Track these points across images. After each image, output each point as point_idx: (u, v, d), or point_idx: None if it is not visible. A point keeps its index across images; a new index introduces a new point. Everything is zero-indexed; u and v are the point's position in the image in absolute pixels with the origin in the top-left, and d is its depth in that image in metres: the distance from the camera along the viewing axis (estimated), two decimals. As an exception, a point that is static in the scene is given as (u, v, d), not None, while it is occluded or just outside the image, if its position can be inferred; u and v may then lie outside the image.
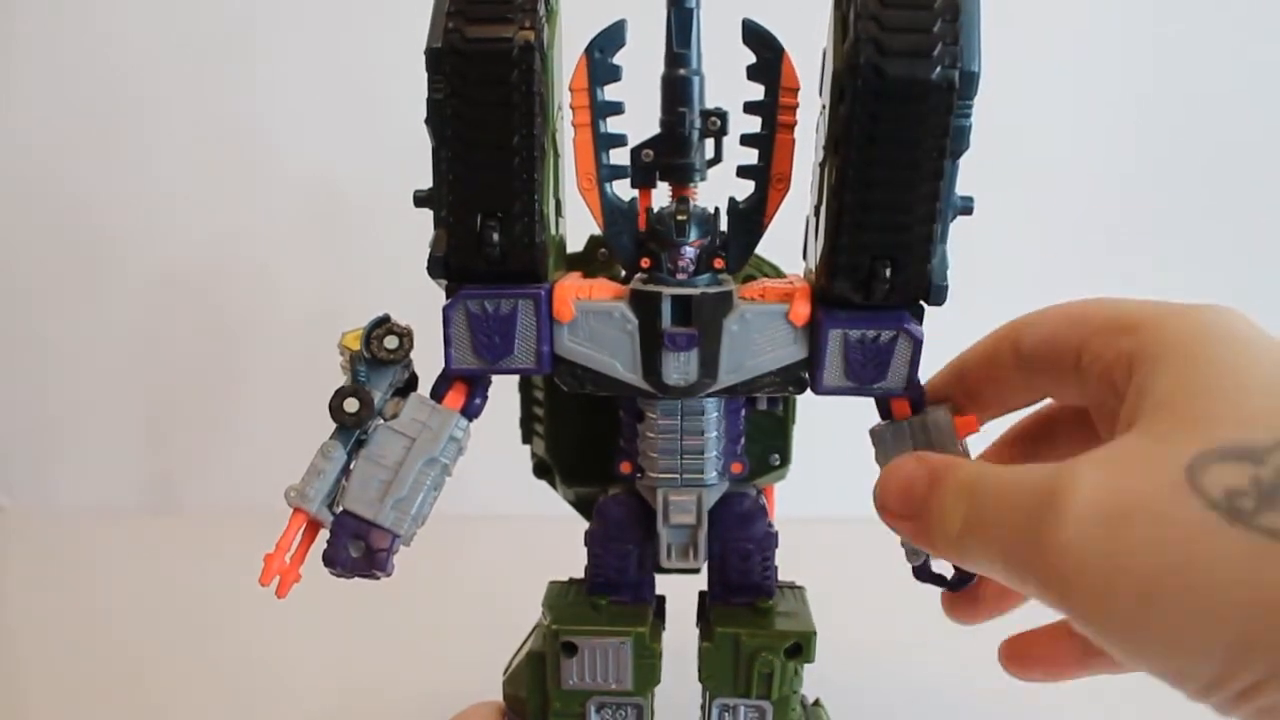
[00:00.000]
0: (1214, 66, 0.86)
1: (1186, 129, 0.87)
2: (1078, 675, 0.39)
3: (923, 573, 0.40)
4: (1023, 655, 0.39)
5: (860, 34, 0.31)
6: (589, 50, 0.36)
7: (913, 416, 0.38)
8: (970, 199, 0.34)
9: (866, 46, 0.31)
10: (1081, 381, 0.32)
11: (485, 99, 0.34)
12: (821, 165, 0.36)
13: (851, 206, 0.33)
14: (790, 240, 0.41)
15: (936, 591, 0.41)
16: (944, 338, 0.39)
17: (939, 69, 0.31)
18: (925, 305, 0.36)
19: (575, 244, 0.44)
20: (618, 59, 0.37)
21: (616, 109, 0.37)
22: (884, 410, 0.38)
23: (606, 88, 0.37)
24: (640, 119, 0.38)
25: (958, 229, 0.35)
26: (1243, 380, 0.26)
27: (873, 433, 0.38)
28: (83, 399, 0.94)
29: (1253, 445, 0.23)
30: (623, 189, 0.38)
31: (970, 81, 0.32)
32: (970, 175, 0.36)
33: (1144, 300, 0.31)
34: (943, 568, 0.39)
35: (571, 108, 0.37)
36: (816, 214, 0.37)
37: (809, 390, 0.37)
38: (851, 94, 0.32)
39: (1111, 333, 0.30)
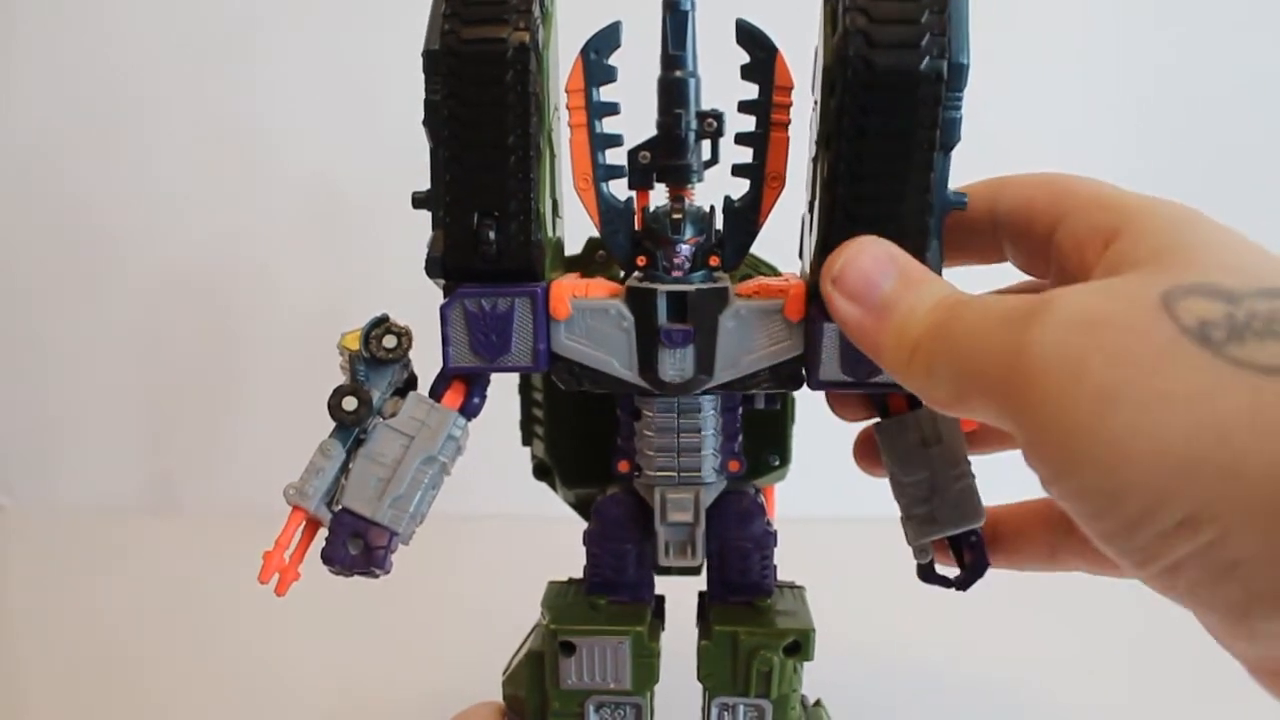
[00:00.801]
0: (1214, 70, 0.86)
1: (1187, 131, 0.87)
2: (1043, 566, 0.38)
3: (928, 573, 0.39)
4: (991, 532, 0.38)
5: (849, 27, 0.32)
6: (584, 51, 0.36)
7: (916, 410, 0.38)
8: (964, 195, 0.34)
9: (855, 39, 0.32)
10: (1047, 252, 0.32)
11: (481, 100, 0.34)
12: (814, 161, 0.36)
13: (844, 199, 0.33)
14: (786, 239, 0.41)
15: (937, 591, 0.41)
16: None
17: (927, 60, 0.31)
18: None
19: (573, 247, 0.44)
20: (613, 60, 0.37)
21: (612, 109, 0.37)
22: (882, 410, 0.38)
23: (602, 88, 0.37)
24: (636, 119, 0.38)
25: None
26: (1224, 247, 0.27)
27: (878, 429, 0.38)
28: (83, 399, 0.94)
29: (1230, 289, 0.24)
30: (619, 189, 0.38)
31: (959, 73, 0.32)
32: (970, 175, 0.36)
33: (1126, 189, 0.31)
34: (948, 569, 0.39)
35: (568, 108, 0.37)
36: (811, 210, 0.37)
37: (806, 386, 0.37)
38: (841, 86, 0.32)
39: (1094, 209, 0.31)
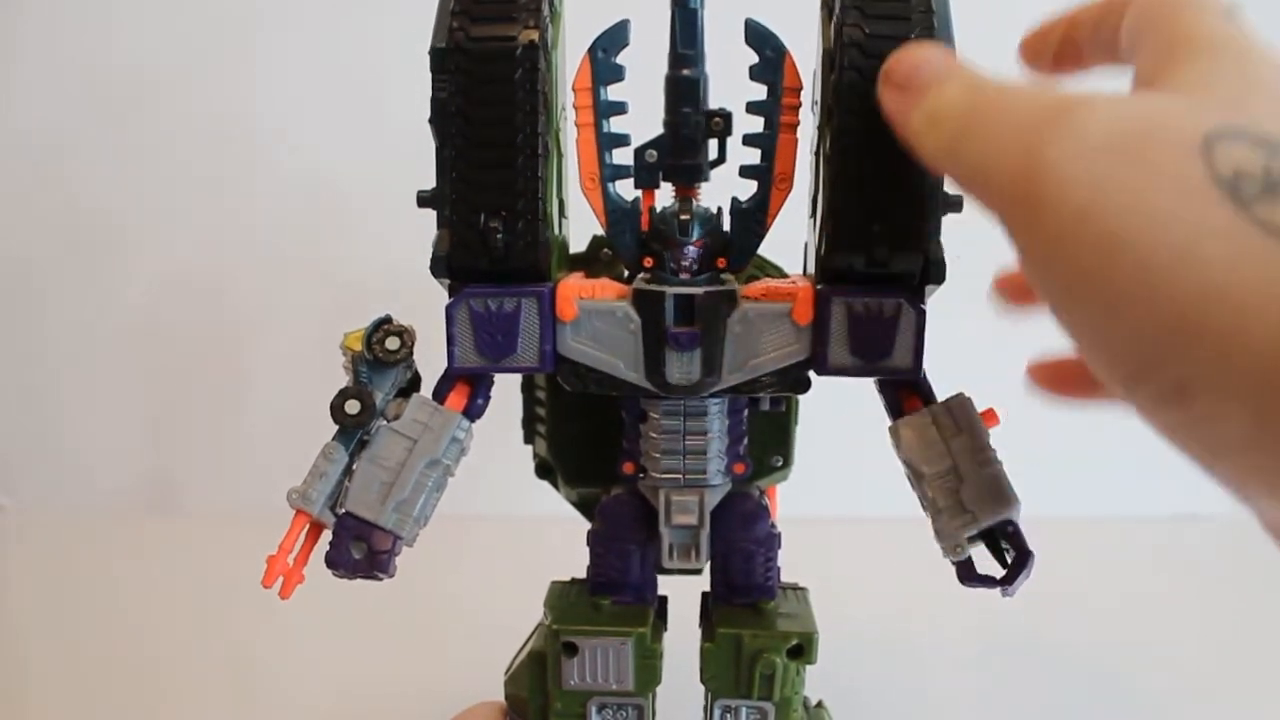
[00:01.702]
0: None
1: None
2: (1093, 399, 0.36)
3: (969, 573, 0.37)
4: (1049, 374, 0.37)
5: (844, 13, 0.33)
6: (592, 50, 0.36)
7: (932, 404, 0.37)
8: (960, 196, 0.34)
9: (851, 29, 0.33)
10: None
11: (489, 98, 0.34)
12: (815, 154, 0.36)
13: (848, 172, 0.34)
14: (792, 241, 0.41)
15: (937, 592, 0.40)
16: (944, 339, 0.39)
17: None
18: (926, 286, 0.36)
19: (578, 245, 0.44)
20: (620, 59, 0.37)
21: (620, 109, 0.37)
22: (895, 408, 0.38)
23: (609, 87, 0.37)
24: (643, 118, 0.38)
25: (957, 230, 0.35)
26: (1259, 52, 0.24)
27: (892, 429, 0.38)
28: (83, 399, 0.94)
29: (1271, 136, 0.22)
30: (626, 189, 0.38)
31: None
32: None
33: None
34: (992, 567, 0.37)
35: (575, 107, 0.37)
36: (814, 205, 0.37)
37: (815, 372, 0.37)
38: (840, 63, 0.33)
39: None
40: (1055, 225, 0.23)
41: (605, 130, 0.37)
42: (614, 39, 0.36)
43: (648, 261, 0.37)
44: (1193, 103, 0.24)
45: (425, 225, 0.37)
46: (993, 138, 0.26)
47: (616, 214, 0.38)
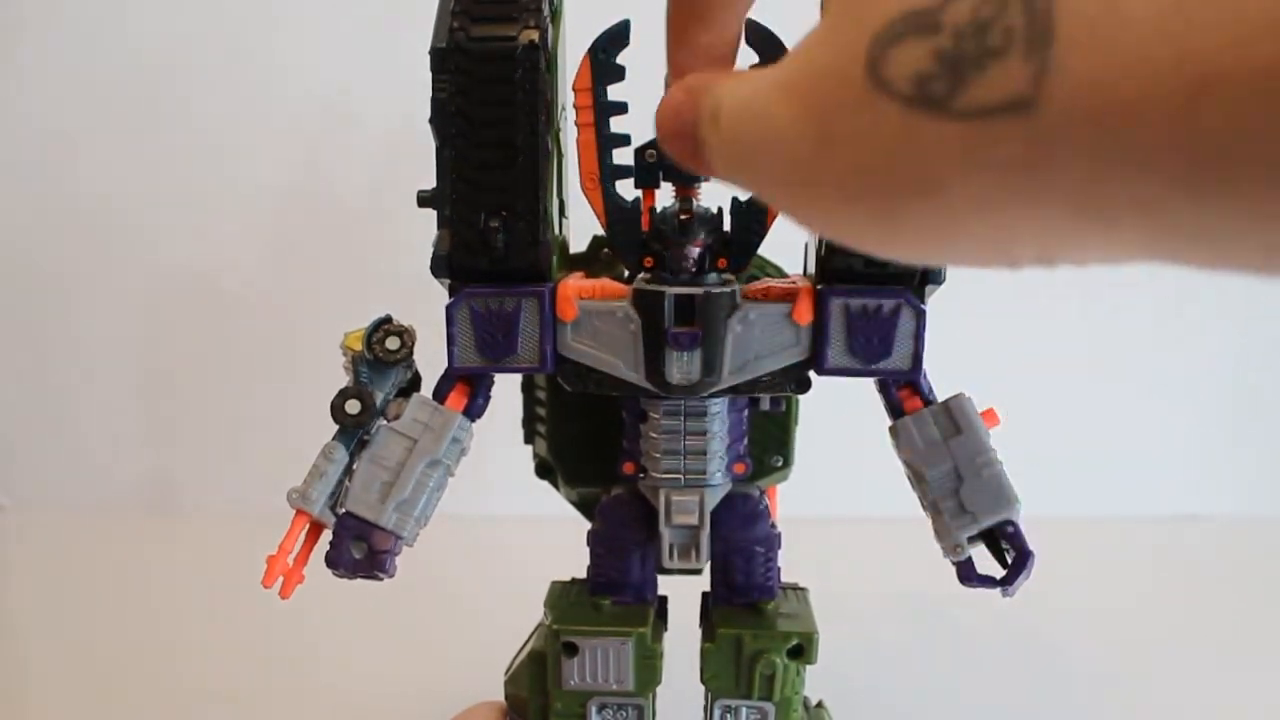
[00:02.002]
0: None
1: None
2: None
3: (969, 573, 0.37)
4: None
5: None
6: (592, 50, 0.36)
7: (932, 404, 0.37)
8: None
9: None
10: None
11: (489, 98, 0.34)
12: None
13: None
14: (792, 241, 0.41)
15: (937, 592, 0.40)
16: (944, 339, 0.39)
17: None
18: (925, 286, 0.36)
19: (578, 245, 0.44)
20: (620, 59, 0.37)
21: (620, 109, 0.37)
22: (895, 409, 0.38)
23: (610, 88, 0.37)
24: (643, 119, 0.38)
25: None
26: None
27: (892, 429, 0.38)
28: (83, 399, 0.94)
29: (923, 6, 0.19)
30: (626, 189, 0.38)
31: None
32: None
33: None
34: (991, 567, 0.37)
35: (575, 107, 0.37)
36: None
37: (814, 372, 0.37)
38: None
39: None
40: (839, 236, 0.23)
41: (606, 130, 0.37)
42: (615, 39, 0.36)
43: (648, 261, 0.37)
44: (839, 25, 0.21)
45: (426, 225, 0.37)
46: (752, 153, 0.24)
47: (617, 214, 0.38)
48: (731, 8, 0.29)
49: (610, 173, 0.37)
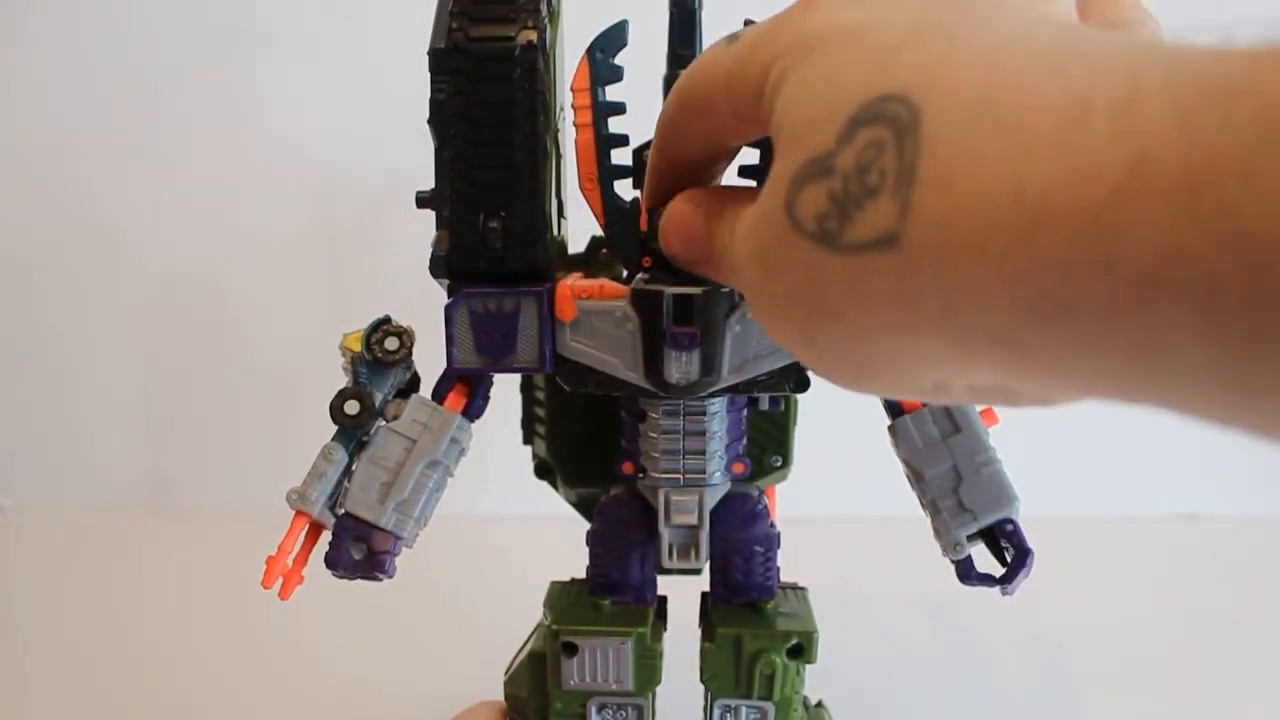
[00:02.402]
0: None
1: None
2: None
3: (968, 571, 0.37)
4: None
5: None
6: (590, 51, 0.36)
7: (930, 404, 0.37)
8: None
9: None
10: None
11: (488, 98, 0.34)
12: None
13: None
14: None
15: (937, 591, 0.40)
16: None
17: None
18: None
19: (577, 245, 0.44)
20: (618, 59, 0.37)
21: (618, 109, 0.37)
22: (894, 408, 0.38)
23: (608, 88, 0.37)
24: (643, 119, 0.38)
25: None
26: (822, 68, 0.23)
27: (891, 428, 0.38)
28: (84, 399, 0.94)
29: (822, 153, 0.21)
30: (625, 189, 0.38)
31: None
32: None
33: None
34: (991, 566, 0.37)
35: (574, 108, 0.37)
36: None
37: (811, 383, 0.37)
38: None
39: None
40: (788, 345, 0.26)
41: (604, 131, 0.37)
42: (613, 40, 0.36)
43: (646, 261, 0.37)
44: (775, 171, 0.23)
45: (426, 225, 0.37)
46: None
47: (615, 214, 0.38)
48: (712, 175, 0.32)
49: (608, 173, 0.37)
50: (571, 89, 0.37)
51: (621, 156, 0.38)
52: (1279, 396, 0.16)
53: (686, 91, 0.29)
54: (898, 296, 0.20)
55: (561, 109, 0.38)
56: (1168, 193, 0.15)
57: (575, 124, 0.37)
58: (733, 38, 0.27)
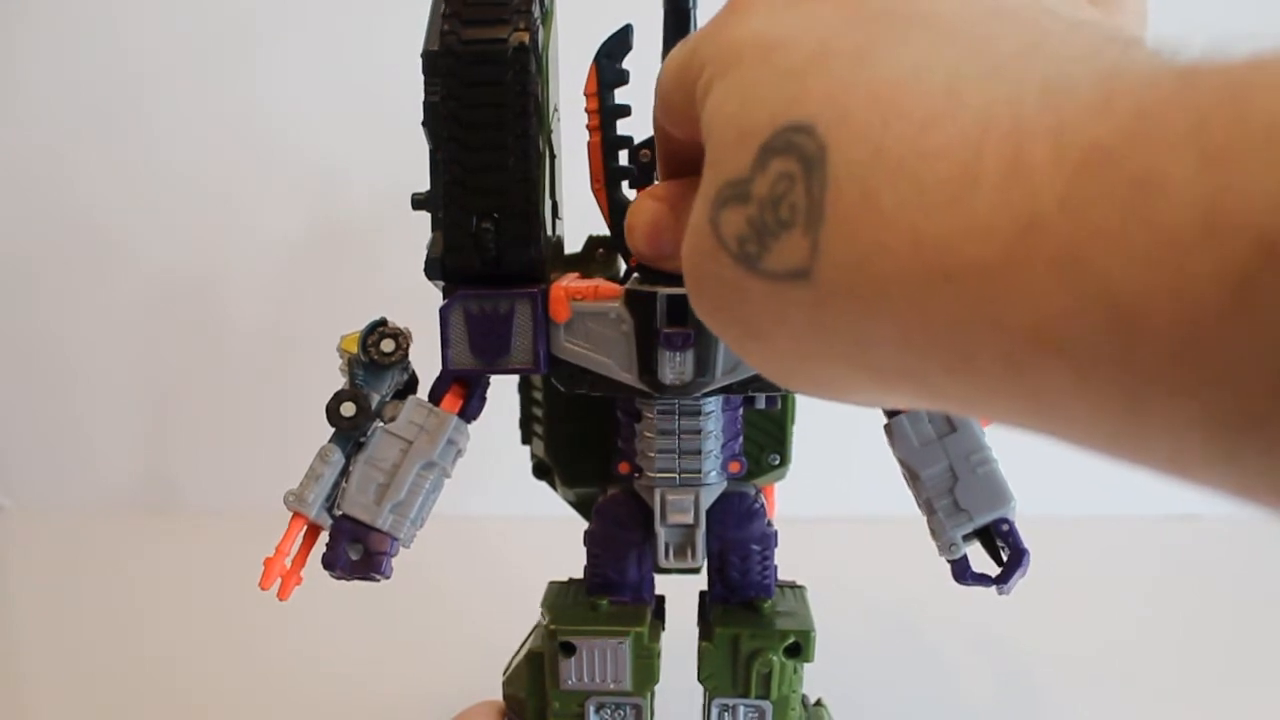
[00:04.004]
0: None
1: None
2: None
3: (964, 571, 0.37)
4: None
5: None
6: (598, 57, 0.37)
7: None
8: None
9: None
10: None
11: (481, 100, 0.34)
12: None
13: None
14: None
15: (936, 591, 0.40)
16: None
17: None
18: None
19: (574, 245, 0.44)
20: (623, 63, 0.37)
21: (625, 112, 0.37)
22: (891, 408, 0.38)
23: (615, 91, 0.37)
24: (640, 119, 0.38)
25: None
26: (737, 87, 0.23)
27: (888, 428, 0.38)
28: (83, 399, 0.94)
29: (739, 177, 0.22)
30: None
31: None
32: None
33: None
34: (987, 565, 0.37)
35: (585, 112, 0.37)
36: None
37: None
38: None
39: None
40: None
41: (612, 134, 0.37)
42: (618, 44, 0.37)
43: (634, 260, 0.37)
44: (703, 184, 0.24)
45: (422, 227, 0.37)
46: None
47: (618, 214, 0.38)
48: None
49: (614, 174, 0.37)
50: (584, 93, 0.37)
51: (625, 157, 0.38)
52: (1163, 444, 0.16)
53: (658, 92, 0.29)
54: (812, 327, 0.21)
55: (555, 110, 0.38)
56: (1054, 261, 0.16)
57: (587, 127, 0.37)
58: (686, 40, 0.27)
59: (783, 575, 0.43)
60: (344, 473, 0.38)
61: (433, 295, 0.38)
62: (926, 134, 0.18)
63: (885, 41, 0.20)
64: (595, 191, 0.38)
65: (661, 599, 0.44)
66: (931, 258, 0.18)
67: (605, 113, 0.37)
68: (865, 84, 0.20)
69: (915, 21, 0.21)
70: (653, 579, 0.43)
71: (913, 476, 0.37)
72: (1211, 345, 0.14)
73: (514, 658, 0.44)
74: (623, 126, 0.38)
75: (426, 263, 0.36)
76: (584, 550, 0.43)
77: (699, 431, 0.39)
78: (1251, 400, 0.14)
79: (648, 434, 0.39)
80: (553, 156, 0.38)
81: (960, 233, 0.17)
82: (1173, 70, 0.16)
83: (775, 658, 0.40)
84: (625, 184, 0.38)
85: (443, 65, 0.34)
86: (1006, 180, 0.17)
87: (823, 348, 0.21)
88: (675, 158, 0.31)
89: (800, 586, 0.44)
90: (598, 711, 0.42)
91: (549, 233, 0.37)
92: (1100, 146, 0.15)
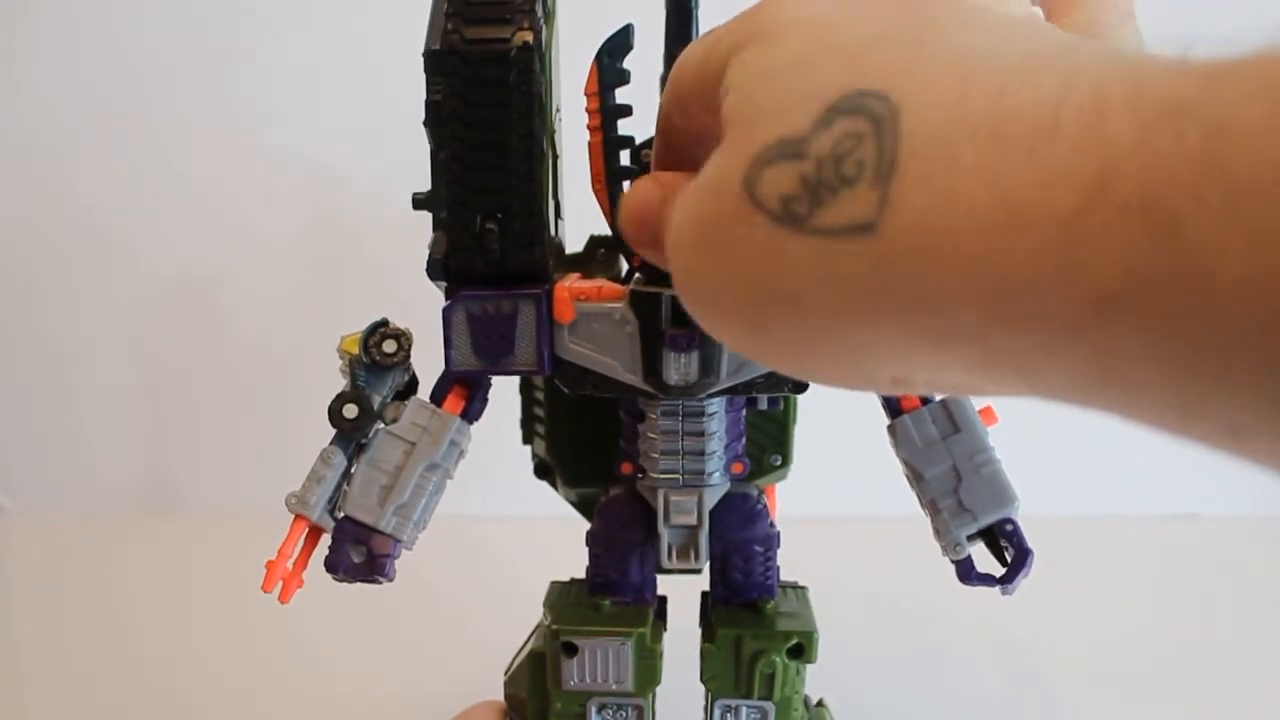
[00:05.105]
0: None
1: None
2: None
3: (968, 571, 0.37)
4: None
5: None
6: (599, 56, 0.36)
7: (930, 403, 0.37)
8: None
9: None
10: None
11: (484, 100, 0.34)
12: None
13: None
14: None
15: (936, 591, 0.40)
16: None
17: None
18: None
19: (575, 246, 0.44)
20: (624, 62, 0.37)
21: (626, 112, 0.37)
22: (893, 408, 0.38)
23: (615, 91, 0.37)
24: (641, 120, 0.38)
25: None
26: (788, 56, 0.23)
27: (891, 428, 0.38)
28: (83, 398, 0.94)
29: (794, 136, 0.22)
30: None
31: None
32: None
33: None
34: (991, 565, 0.37)
35: (586, 112, 0.37)
36: None
37: (809, 385, 0.37)
38: None
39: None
40: (712, 328, 0.26)
41: (613, 133, 0.37)
42: (619, 44, 0.36)
43: (636, 260, 0.37)
44: (730, 146, 0.23)
45: (423, 227, 0.37)
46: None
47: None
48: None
49: (615, 174, 0.37)
50: (585, 93, 0.37)
51: (627, 157, 0.38)
52: (1222, 412, 0.16)
53: (670, 88, 0.29)
54: (868, 283, 0.20)
55: (558, 109, 0.38)
56: (1126, 209, 0.16)
57: (588, 127, 0.37)
58: (710, 30, 0.27)
59: (785, 576, 0.43)
60: (346, 475, 0.38)
61: (433, 296, 0.37)
62: (1004, 99, 0.19)
63: (946, 28, 0.21)
64: (596, 191, 0.38)
65: (663, 599, 0.44)
66: (1010, 209, 0.18)
67: (606, 113, 0.37)
68: (932, 57, 0.20)
69: (970, 16, 0.21)
70: (655, 579, 0.43)
71: (916, 477, 0.37)
72: None
73: (515, 658, 0.44)
74: (624, 126, 0.37)
75: (429, 263, 0.36)
76: (585, 550, 0.43)
77: (703, 433, 0.39)
78: None
79: (651, 435, 0.39)
80: (555, 156, 0.38)
81: (1040, 182, 0.17)
82: (1241, 52, 0.16)
83: (778, 659, 0.40)
84: (626, 184, 0.38)
85: (446, 64, 0.34)
86: (1086, 132, 0.17)
87: (873, 303, 0.21)
88: (674, 150, 0.31)
89: (802, 587, 0.44)
90: (599, 712, 0.41)
91: (552, 233, 0.37)
92: (1177, 98, 0.16)
